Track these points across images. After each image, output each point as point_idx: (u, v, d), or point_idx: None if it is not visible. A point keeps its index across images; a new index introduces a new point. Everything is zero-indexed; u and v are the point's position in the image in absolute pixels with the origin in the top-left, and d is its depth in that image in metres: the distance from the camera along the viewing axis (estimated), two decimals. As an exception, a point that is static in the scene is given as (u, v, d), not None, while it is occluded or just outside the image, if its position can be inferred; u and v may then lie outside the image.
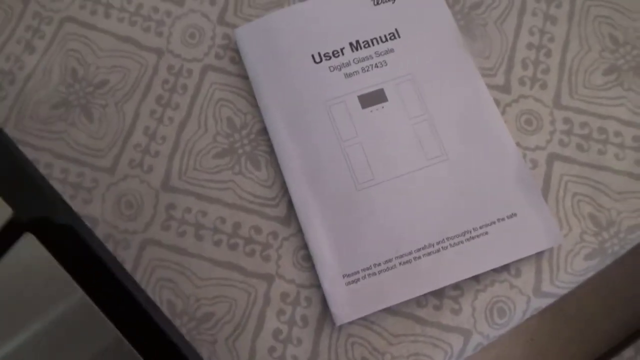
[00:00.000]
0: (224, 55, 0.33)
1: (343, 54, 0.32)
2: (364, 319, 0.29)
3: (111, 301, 0.20)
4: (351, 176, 0.30)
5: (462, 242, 0.29)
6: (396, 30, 0.32)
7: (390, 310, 0.29)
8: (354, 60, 0.32)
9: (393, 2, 0.33)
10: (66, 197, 0.31)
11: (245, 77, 0.33)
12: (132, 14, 0.34)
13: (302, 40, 0.32)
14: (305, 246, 0.30)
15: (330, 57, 0.32)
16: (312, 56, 0.32)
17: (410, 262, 0.28)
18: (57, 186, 0.31)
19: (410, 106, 0.31)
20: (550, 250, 0.29)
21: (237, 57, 0.33)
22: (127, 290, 0.21)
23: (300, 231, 0.30)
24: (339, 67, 0.32)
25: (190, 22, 0.34)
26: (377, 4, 0.33)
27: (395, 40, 0.32)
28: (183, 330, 0.28)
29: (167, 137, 0.32)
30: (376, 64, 0.32)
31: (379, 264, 0.28)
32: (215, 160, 0.31)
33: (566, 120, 0.32)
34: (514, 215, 0.29)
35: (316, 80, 0.31)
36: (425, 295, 0.29)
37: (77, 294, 0.20)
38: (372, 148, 0.30)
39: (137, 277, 0.29)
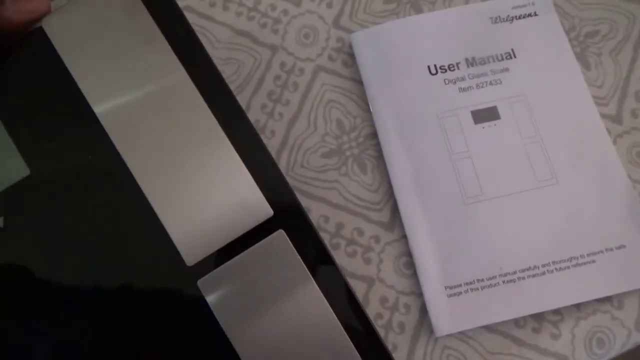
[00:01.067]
0: (336, 57, 0.34)
1: (458, 68, 0.32)
2: (461, 332, 0.29)
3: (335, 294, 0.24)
4: (460, 190, 0.30)
5: (568, 267, 0.29)
6: (512, 50, 0.32)
7: (487, 327, 0.29)
8: (468, 75, 0.32)
9: (511, 22, 0.33)
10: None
11: (357, 81, 0.33)
12: (250, 9, 0.35)
13: (419, 51, 0.32)
14: (407, 253, 0.30)
15: (446, 70, 0.32)
16: (428, 67, 0.32)
17: (514, 282, 0.28)
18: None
19: (523, 126, 0.31)
20: (656, 285, 0.29)
21: (349, 61, 0.34)
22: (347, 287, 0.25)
23: (403, 237, 0.30)
24: (453, 81, 0.32)
25: (305, 23, 0.35)
26: (495, 22, 0.33)
27: (510, 60, 0.32)
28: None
29: (277, 132, 0.32)
30: (491, 81, 0.32)
31: (482, 280, 0.28)
32: (323, 159, 0.32)
33: (679, 157, 0.31)
34: (622, 246, 0.29)
35: (430, 91, 0.32)
36: (524, 316, 0.29)
37: (310, 285, 0.24)
38: (482, 164, 0.30)
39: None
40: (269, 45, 0.34)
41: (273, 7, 0.35)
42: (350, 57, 0.34)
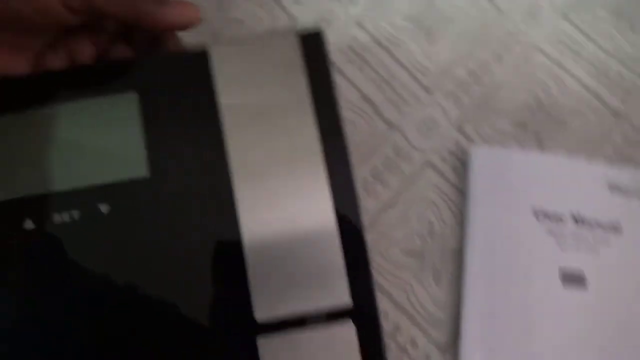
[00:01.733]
0: (448, 159, 0.34)
1: (562, 220, 0.32)
2: None
3: None
4: (528, 343, 0.29)
5: None
6: (620, 224, 0.32)
7: None
8: (570, 232, 0.32)
9: (628, 198, 0.33)
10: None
11: (460, 190, 0.33)
12: (383, 80, 0.35)
13: (531, 189, 0.32)
14: (454, 384, 0.29)
15: (550, 219, 0.32)
16: (534, 209, 0.32)
17: None
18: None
19: (604, 309, 0.31)
20: None
21: (459, 168, 0.33)
22: None
23: (454, 366, 0.30)
24: (554, 232, 0.32)
25: (431, 114, 0.34)
26: (612, 190, 0.33)
27: (615, 233, 0.32)
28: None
29: (369, 211, 0.32)
30: (589, 247, 0.32)
31: None
32: (404, 256, 0.32)
33: None
34: None
35: (528, 234, 0.31)
36: None
37: None
38: (559, 328, 0.30)
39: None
40: (389, 122, 0.34)
41: (405, 86, 0.35)
42: (461, 164, 0.34)
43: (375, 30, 0.36)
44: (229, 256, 0.27)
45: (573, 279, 0.31)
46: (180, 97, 0.28)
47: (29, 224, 0.26)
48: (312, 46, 0.28)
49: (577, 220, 0.32)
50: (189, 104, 0.27)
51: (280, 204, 0.27)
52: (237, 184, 0.27)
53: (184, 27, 0.27)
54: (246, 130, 0.27)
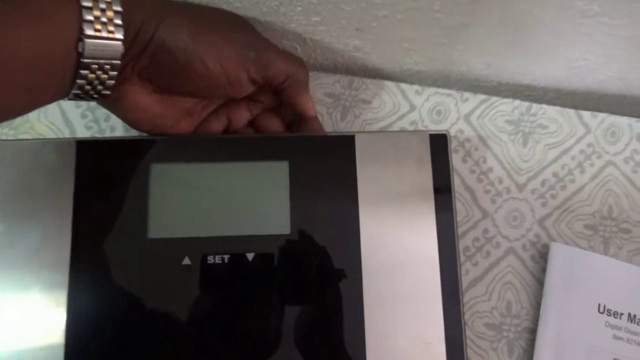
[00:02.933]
0: (529, 249, 0.40)
1: (620, 318, 0.38)
2: None
3: None
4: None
5: None
6: (666, 327, 0.38)
7: None
8: (625, 328, 0.38)
9: (675, 305, 0.39)
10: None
11: (537, 278, 0.39)
12: (482, 172, 0.41)
13: (598, 288, 0.38)
14: None
15: (610, 315, 0.38)
16: (599, 305, 0.38)
17: None
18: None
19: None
20: None
21: (538, 258, 0.39)
22: None
23: None
24: (611, 327, 0.38)
25: (519, 207, 0.40)
26: (663, 297, 0.39)
27: (661, 333, 0.38)
28: None
29: (466, 286, 0.38)
30: (639, 342, 0.37)
31: None
32: (484, 327, 0.37)
33: None
34: None
35: (591, 326, 0.37)
36: None
37: None
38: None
39: None
40: (483, 209, 0.40)
41: (500, 181, 0.41)
42: (539, 255, 0.40)
43: (480, 127, 0.42)
44: (350, 320, 0.32)
45: (623, 368, 0.37)
46: (328, 172, 0.34)
47: (186, 261, 0.32)
48: (439, 144, 0.34)
49: (632, 319, 0.38)
50: (332, 178, 0.34)
51: (398, 278, 0.33)
52: (364, 254, 0.33)
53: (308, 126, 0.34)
54: (376, 208, 0.33)
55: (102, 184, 0.32)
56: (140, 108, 0.31)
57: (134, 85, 0.30)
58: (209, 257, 0.32)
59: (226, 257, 0.32)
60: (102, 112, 0.39)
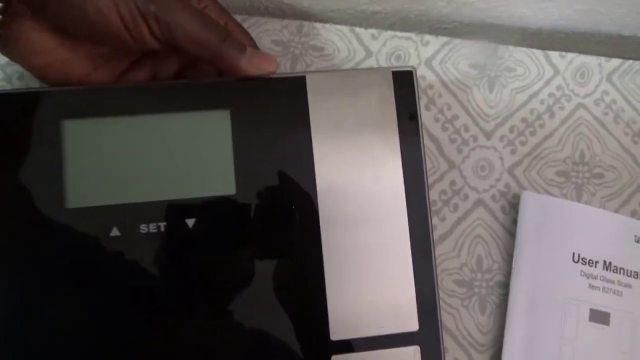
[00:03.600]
0: (499, 200, 0.37)
1: (595, 266, 0.36)
2: None
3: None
4: (556, 372, 0.33)
5: None
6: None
7: None
8: (600, 277, 0.36)
9: (650, 250, 0.37)
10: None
11: (507, 230, 0.37)
12: (447, 120, 0.38)
13: (572, 236, 0.36)
14: (491, 403, 0.33)
15: (585, 264, 0.36)
16: (573, 254, 0.36)
17: None
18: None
19: (623, 342, 0.35)
20: None
21: (508, 209, 0.37)
22: None
23: (493, 388, 0.34)
24: (587, 275, 0.36)
25: (487, 156, 0.38)
26: (637, 242, 0.37)
27: (636, 279, 0.36)
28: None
29: (426, 242, 0.35)
30: (615, 290, 0.36)
31: None
32: (454, 285, 0.35)
33: None
34: None
35: (566, 275, 0.35)
36: None
37: None
38: (584, 358, 0.34)
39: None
40: (449, 160, 0.37)
41: (466, 128, 0.38)
42: (509, 206, 0.37)
43: (443, 72, 0.39)
44: (310, 276, 0.29)
45: (599, 316, 0.35)
46: (276, 120, 0.30)
47: (115, 232, 0.28)
48: (404, 83, 0.31)
49: (607, 267, 0.36)
50: (283, 130, 0.30)
51: (361, 230, 0.30)
52: (321, 205, 0.29)
53: (258, 75, 0.29)
54: (333, 158, 0.30)
55: (6, 148, 0.27)
56: (41, 51, 0.26)
57: (28, 21, 0.26)
58: (141, 227, 0.28)
59: (162, 225, 0.28)
60: (14, 68, 0.34)
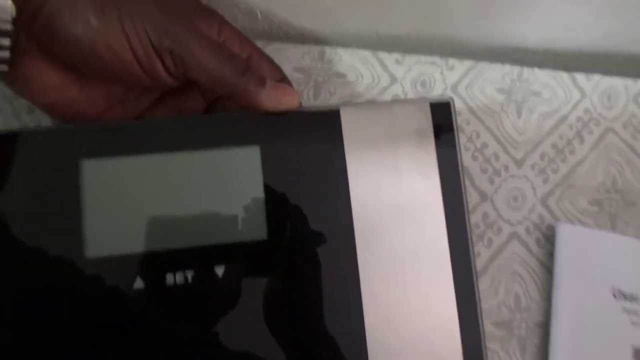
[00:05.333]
0: (533, 232, 0.35)
1: (637, 302, 0.34)
2: None
3: None
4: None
5: None
6: (683, 306, 0.35)
7: None
8: (641, 312, 0.34)
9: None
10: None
11: (544, 264, 0.35)
12: (477, 149, 0.36)
13: (611, 269, 0.34)
14: None
15: (626, 299, 0.34)
16: (613, 289, 0.34)
17: None
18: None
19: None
20: None
21: (543, 242, 0.35)
22: None
23: None
24: (628, 312, 0.34)
25: (519, 186, 0.36)
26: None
27: (678, 313, 0.35)
28: None
29: (462, 280, 0.33)
30: (657, 326, 0.34)
31: None
32: (492, 327, 0.33)
33: None
34: None
35: (607, 313, 0.33)
36: None
37: None
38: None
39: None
40: (481, 192, 0.35)
41: (497, 157, 0.36)
42: (544, 239, 0.35)
43: (469, 98, 0.37)
44: (350, 330, 0.27)
45: (642, 356, 0.33)
46: (306, 156, 0.27)
47: (139, 284, 0.25)
48: (442, 115, 0.29)
49: (648, 301, 0.34)
50: (315, 165, 0.27)
51: (400, 277, 0.27)
52: (360, 251, 0.27)
53: (280, 110, 0.26)
54: (372, 192, 0.27)
55: (20, 191, 0.24)
56: (50, 89, 0.24)
57: (35, 59, 0.23)
58: (167, 276, 0.25)
59: (189, 274, 0.26)
60: (22, 102, 0.31)
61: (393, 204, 0.27)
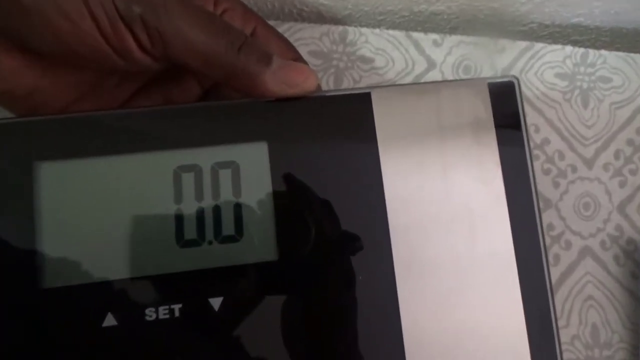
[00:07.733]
0: (610, 247, 0.28)
1: None
2: None
3: None
4: None
5: None
6: None
7: None
8: None
9: None
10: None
11: (625, 287, 0.28)
12: (536, 146, 0.29)
13: None
14: None
15: None
16: None
17: None
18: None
19: None
20: None
21: (622, 259, 0.28)
22: None
23: None
24: None
25: (590, 191, 0.29)
26: None
27: None
28: None
29: (525, 308, 0.26)
30: None
31: None
32: (567, 367, 0.26)
33: None
34: None
35: None
36: None
37: None
38: None
39: None
40: (544, 198, 0.29)
41: (561, 156, 0.30)
42: (625, 255, 0.28)
43: (525, 86, 0.30)
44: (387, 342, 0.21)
45: None
46: (328, 154, 0.21)
47: (110, 320, 0.19)
48: (504, 99, 0.22)
49: None
50: (340, 166, 0.21)
51: (453, 297, 0.21)
52: (397, 268, 0.21)
53: (291, 95, 0.21)
54: (410, 194, 0.21)
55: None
56: (6, 75, 0.18)
57: None
58: (147, 312, 0.20)
59: (176, 307, 0.20)
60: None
61: (440, 209, 0.21)
